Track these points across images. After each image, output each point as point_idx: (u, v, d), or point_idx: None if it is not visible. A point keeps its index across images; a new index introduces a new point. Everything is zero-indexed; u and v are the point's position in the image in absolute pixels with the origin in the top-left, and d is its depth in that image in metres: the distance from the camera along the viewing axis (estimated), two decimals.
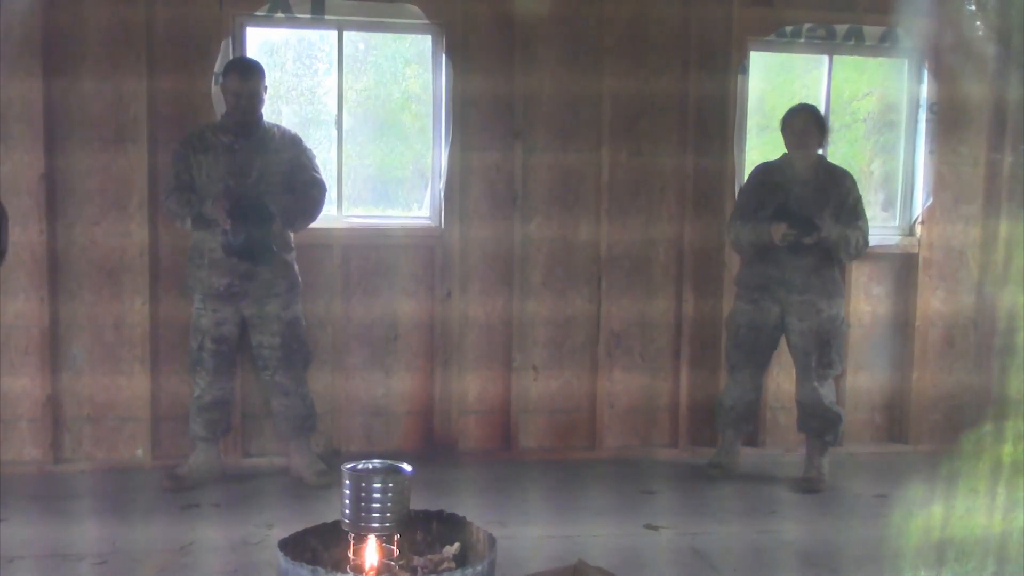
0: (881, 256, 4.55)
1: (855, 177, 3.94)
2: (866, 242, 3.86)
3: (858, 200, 3.87)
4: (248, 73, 3.66)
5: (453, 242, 4.22)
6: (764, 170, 4.00)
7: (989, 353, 4.57)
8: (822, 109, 4.47)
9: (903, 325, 4.61)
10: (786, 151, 3.94)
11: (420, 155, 4.40)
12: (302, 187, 3.72)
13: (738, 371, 4.01)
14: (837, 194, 3.83)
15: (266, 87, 3.72)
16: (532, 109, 4.26)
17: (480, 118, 4.23)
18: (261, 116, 3.73)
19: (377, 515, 2.18)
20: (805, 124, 3.87)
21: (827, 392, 3.90)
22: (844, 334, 3.92)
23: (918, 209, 4.59)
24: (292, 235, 3.81)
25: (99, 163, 3.95)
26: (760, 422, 4.43)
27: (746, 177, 4.12)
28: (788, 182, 3.87)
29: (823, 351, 3.84)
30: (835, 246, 3.78)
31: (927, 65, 4.52)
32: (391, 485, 2.19)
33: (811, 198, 3.82)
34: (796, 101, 4.06)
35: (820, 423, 3.90)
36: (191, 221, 3.65)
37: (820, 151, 3.96)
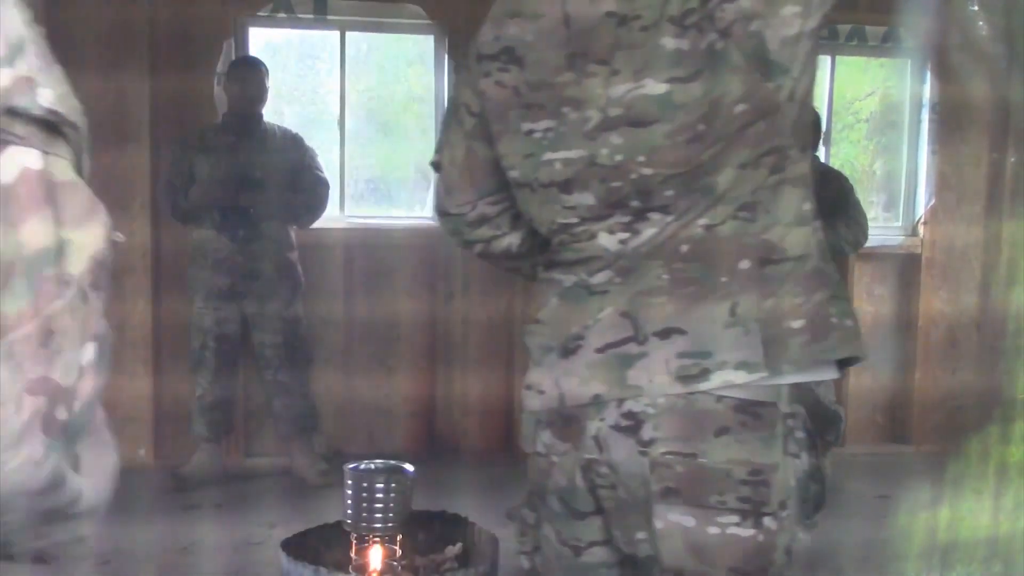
0: (884, 256, 4.54)
1: (842, 174, 3.92)
2: (859, 226, 3.68)
3: (840, 190, 3.73)
4: (253, 68, 3.69)
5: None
6: None
7: (993, 354, 4.55)
8: (824, 109, 4.46)
9: (906, 325, 4.60)
10: None
11: (422, 155, 4.39)
12: (310, 186, 3.74)
13: None
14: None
15: (268, 87, 3.72)
16: None
17: None
18: (262, 115, 3.73)
19: (379, 515, 2.18)
20: None
21: (824, 392, 3.88)
22: None
23: (921, 209, 4.59)
24: (294, 235, 3.81)
25: (101, 164, 3.88)
26: None
27: None
28: None
29: None
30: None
31: (930, 65, 4.51)
32: (393, 485, 2.18)
33: None
34: None
35: (819, 423, 3.88)
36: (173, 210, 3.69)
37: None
